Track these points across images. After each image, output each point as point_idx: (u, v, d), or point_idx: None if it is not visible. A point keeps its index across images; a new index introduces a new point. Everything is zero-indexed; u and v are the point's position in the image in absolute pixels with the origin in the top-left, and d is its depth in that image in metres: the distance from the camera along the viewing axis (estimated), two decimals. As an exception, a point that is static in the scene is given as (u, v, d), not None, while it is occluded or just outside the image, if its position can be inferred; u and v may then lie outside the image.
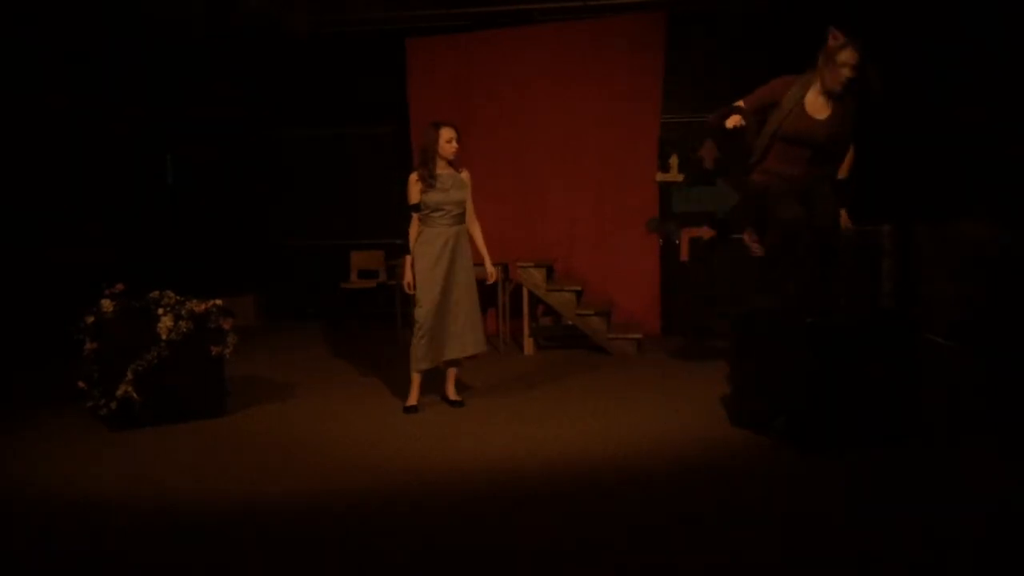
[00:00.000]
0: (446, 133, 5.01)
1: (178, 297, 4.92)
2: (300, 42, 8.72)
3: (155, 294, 4.92)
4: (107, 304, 4.78)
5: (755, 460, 4.03)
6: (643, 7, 7.84)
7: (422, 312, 5.00)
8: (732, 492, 3.61)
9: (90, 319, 4.77)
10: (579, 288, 7.27)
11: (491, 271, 5.34)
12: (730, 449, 4.21)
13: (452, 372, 5.27)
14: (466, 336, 5.10)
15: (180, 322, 4.80)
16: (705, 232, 7.98)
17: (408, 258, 5.12)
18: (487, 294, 7.70)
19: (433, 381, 5.32)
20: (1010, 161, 5.93)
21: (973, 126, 6.45)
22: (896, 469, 3.79)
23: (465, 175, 5.13)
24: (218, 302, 4.99)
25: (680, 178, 8.04)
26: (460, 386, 5.36)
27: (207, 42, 8.59)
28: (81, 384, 4.80)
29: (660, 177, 7.97)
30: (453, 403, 5.21)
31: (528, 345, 7.22)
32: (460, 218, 5.11)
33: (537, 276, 7.18)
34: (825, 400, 4.03)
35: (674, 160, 8.02)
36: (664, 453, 4.17)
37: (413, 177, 5.03)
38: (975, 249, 5.18)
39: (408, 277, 5.11)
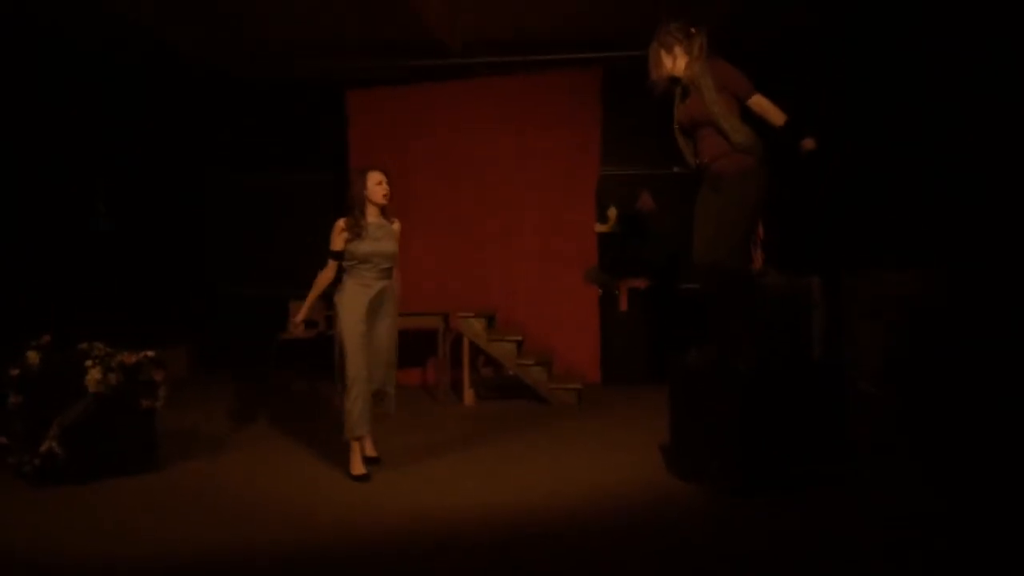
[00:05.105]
0: (375, 176, 4.72)
1: (108, 349, 4.80)
2: (240, 87, 8.72)
3: (84, 346, 4.79)
4: (33, 356, 4.64)
5: (692, 506, 4.05)
6: (580, 63, 8.06)
7: (354, 372, 4.62)
8: (668, 539, 3.62)
9: (15, 372, 4.61)
10: (520, 338, 7.30)
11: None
12: (668, 496, 4.23)
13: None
14: (390, 393, 4.87)
15: (109, 374, 4.67)
16: (642, 283, 8.12)
17: (309, 300, 4.78)
18: (427, 344, 7.72)
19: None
20: (931, 211, 6.21)
21: (898, 177, 6.75)
22: (827, 510, 3.87)
23: (398, 226, 4.84)
24: (149, 353, 4.87)
25: (618, 229, 8.20)
26: (396, 437, 5.26)
27: (143, 83, 8.54)
28: (2, 439, 4.62)
29: (598, 228, 8.11)
30: (371, 460, 4.92)
31: (468, 396, 7.19)
32: (388, 273, 4.78)
33: (478, 326, 7.18)
34: (757, 446, 4.11)
35: (612, 212, 8.18)
36: (603, 502, 4.17)
37: (340, 224, 4.68)
38: (898, 298, 5.36)
39: (300, 317, 4.80)
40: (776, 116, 4.51)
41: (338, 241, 4.69)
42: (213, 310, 9.01)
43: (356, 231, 4.66)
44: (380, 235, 4.72)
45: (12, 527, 3.96)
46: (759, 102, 4.54)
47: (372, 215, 4.75)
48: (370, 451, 4.98)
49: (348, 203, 4.75)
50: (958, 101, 6.24)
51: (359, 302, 4.67)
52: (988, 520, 3.73)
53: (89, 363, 4.67)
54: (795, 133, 4.48)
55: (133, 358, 4.79)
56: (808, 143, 4.47)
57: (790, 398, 4.15)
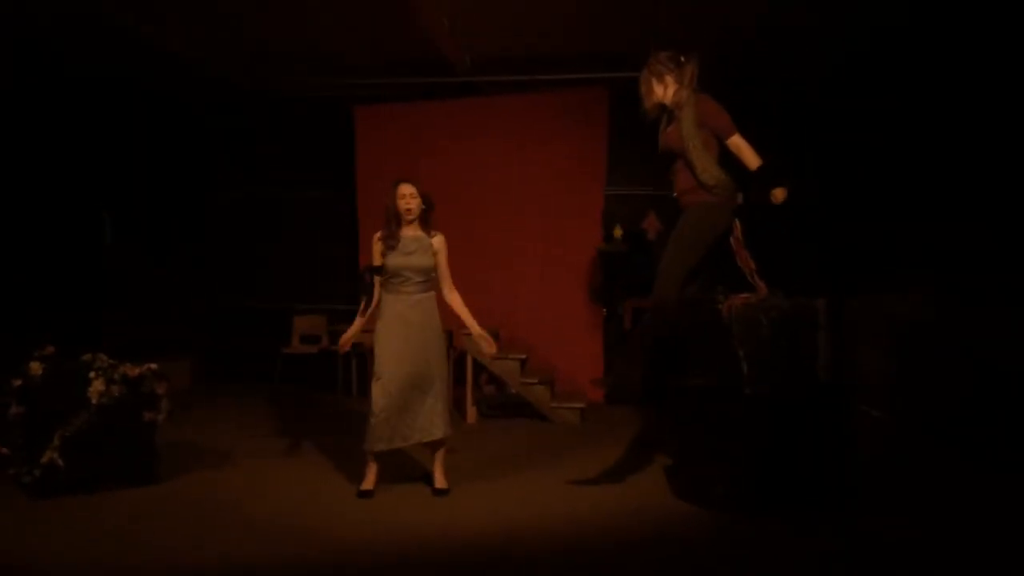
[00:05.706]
0: (402, 189, 4.64)
1: (111, 360, 4.79)
2: (247, 101, 8.75)
3: (87, 357, 4.78)
4: (35, 367, 4.63)
5: (697, 530, 4.03)
6: (587, 82, 8.08)
7: (381, 387, 4.52)
8: (669, 549, 3.64)
9: (17, 382, 4.60)
10: (523, 356, 7.28)
11: (481, 336, 4.80)
12: (669, 512, 4.22)
13: (439, 455, 4.74)
14: (434, 417, 4.58)
15: (112, 386, 4.66)
16: (647, 302, 8.10)
17: (359, 318, 4.67)
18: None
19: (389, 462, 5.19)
20: (936, 234, 6.19)
21: (900, 201, 6.73)
22: (828, 523, 3.87)
23: (437, 240, 4.70)
24: (152, 366, 4.87)
25: (623, 248, 8.19)
26: (398, 454, 5.19)
27: (148, 99, 8.59)
28: (3, 450, 4.61)
29: (604, 247, 8.11)
30: (437, 492, 4.68)
31: (471, 414, 7.16)
32: (424, 286, 4.66)
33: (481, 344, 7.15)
34: (764, 468, 4.09)
35: (618, 231, 8.17)
36: (607, 525, 4.14)
37: (375, 237, 4.65)
38: (903, 321, 5.36)
39: (348, 335, 4.70)
40: (751, 159, 4.52)
41: (376, 255, 4.65)
42: (217, 322, 9.01)
43: (389, 243, 4.62)
44: (412, 248, 4.64)
45: (12, 538, 3.94)
46: (737, 143, 4.55)
47: (409, 228, 4.68)
48: (440, 482, 4.74)
49: (385, 214, 4.72)
50: (959, 109, 6.22)
51: (393, 317, 4.61)
52: (988, 521, 3.78)
53: (92, 374, 4.66)
54: (768, 180, 4.49)
55: (136, 370, 4.79)
56: (779, 193, 4.48)
57: (797, 420, 4.13)
